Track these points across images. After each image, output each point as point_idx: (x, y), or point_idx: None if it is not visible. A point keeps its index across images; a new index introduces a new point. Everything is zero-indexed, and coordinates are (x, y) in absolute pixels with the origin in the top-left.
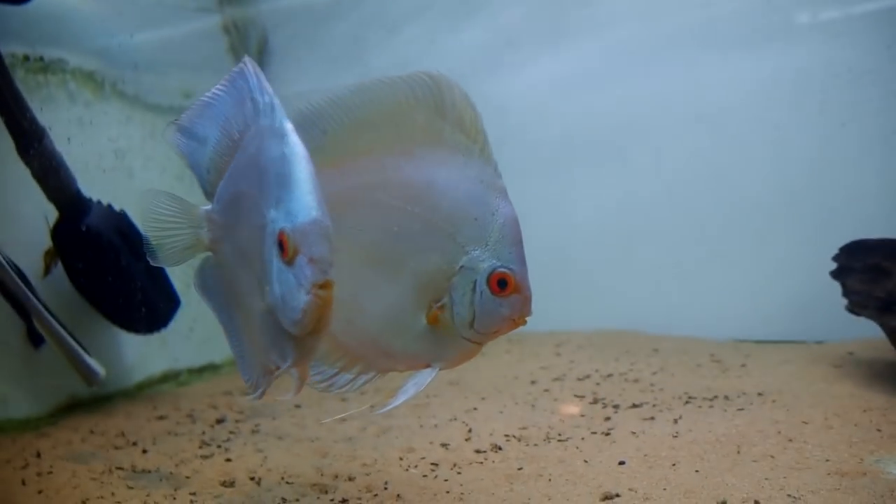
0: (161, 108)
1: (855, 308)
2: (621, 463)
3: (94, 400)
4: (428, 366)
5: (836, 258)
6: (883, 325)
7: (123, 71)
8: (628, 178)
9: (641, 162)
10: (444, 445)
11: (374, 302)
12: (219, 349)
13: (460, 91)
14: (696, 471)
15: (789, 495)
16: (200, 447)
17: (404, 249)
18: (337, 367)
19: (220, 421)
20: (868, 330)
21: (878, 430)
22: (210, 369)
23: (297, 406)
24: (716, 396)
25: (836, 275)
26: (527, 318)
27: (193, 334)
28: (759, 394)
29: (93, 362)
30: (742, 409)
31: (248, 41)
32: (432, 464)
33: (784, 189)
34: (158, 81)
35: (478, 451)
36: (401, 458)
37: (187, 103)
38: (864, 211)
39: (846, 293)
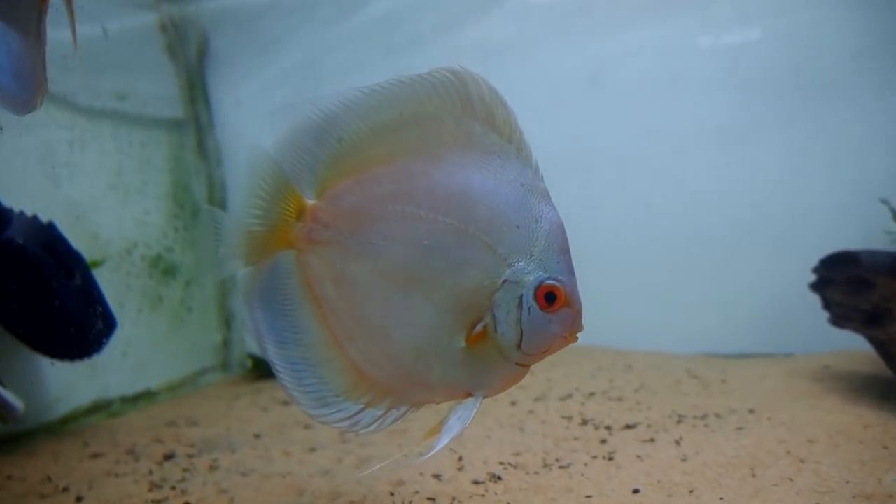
0: (92, 110)
1: (839, 321)
2: (636, 491)
3: (10, 439)
4: (469, 395)
5: (815, 270)
6: (871, 339)
7: (49, 70)
8: (593, 193)
9: (606, 178)
10: (436, 476)
11: (406, 326)
12: (155, 373)
13: (488, 86)
14: (721, 498)
15: None
16: (150, 490)
17: (438, 266)
18: (362, 402)
19: (168, 457)
20: (837, 342)
21: (885, 448)
22: (146, 397)
23: (257, 436)
24: (706, 414)
25: (815, 287)
26: (578, 335)
27: (127, 358)
28: (751, 411)
29: (9, 395)
30: (741, 429)
31: (186, 41)
32: (429, 499)
33: (751, 202)
34: (89, 82)
35: (476, 482)
36: (392, 494)
37: (121, 106)
38: (830, 224)
39: (828, 306)
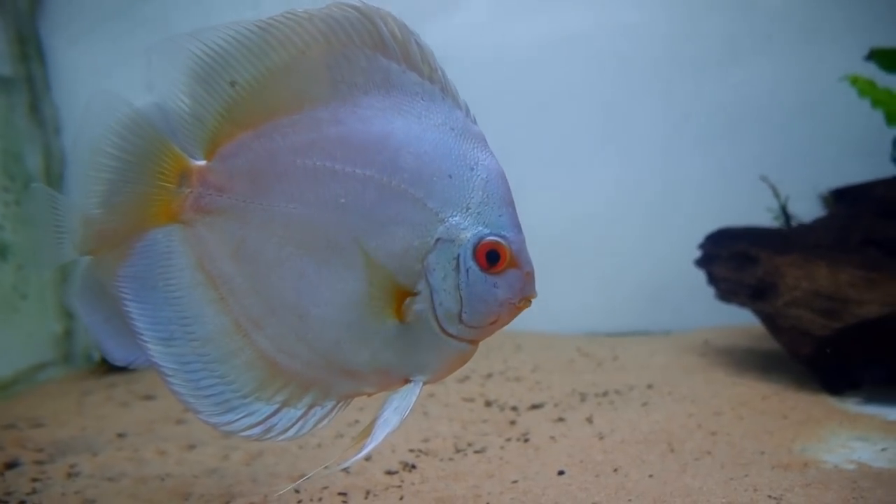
0: None
1: (725, 295)
2: (561, 473)
3: None
4: (407, 381)
5: (701, 246)
6: (757, 312)
7: None
8: None
9: None
10: (343, 469)
11: (325, 304)
12: None
13: (396, 21)
14: (650, 476)
15: (770, 496)
16: None
17: (358, 227)
18: (277, 402)
19: (11, 465)
20: (712, 318)
21: (785, 417)
22: None
23: (121, 435)
24: (607, 391)
25: (701, 263)
26: (531, 300)
27: None
28: (649, 386)
29: None
30: (647, 404)
31: None
32: (340, 494)
33: (630, 182)
34: None
35: (389, 473)
36: (297, 491)
37: None
38: (705, 203)
39: (713, 281)
